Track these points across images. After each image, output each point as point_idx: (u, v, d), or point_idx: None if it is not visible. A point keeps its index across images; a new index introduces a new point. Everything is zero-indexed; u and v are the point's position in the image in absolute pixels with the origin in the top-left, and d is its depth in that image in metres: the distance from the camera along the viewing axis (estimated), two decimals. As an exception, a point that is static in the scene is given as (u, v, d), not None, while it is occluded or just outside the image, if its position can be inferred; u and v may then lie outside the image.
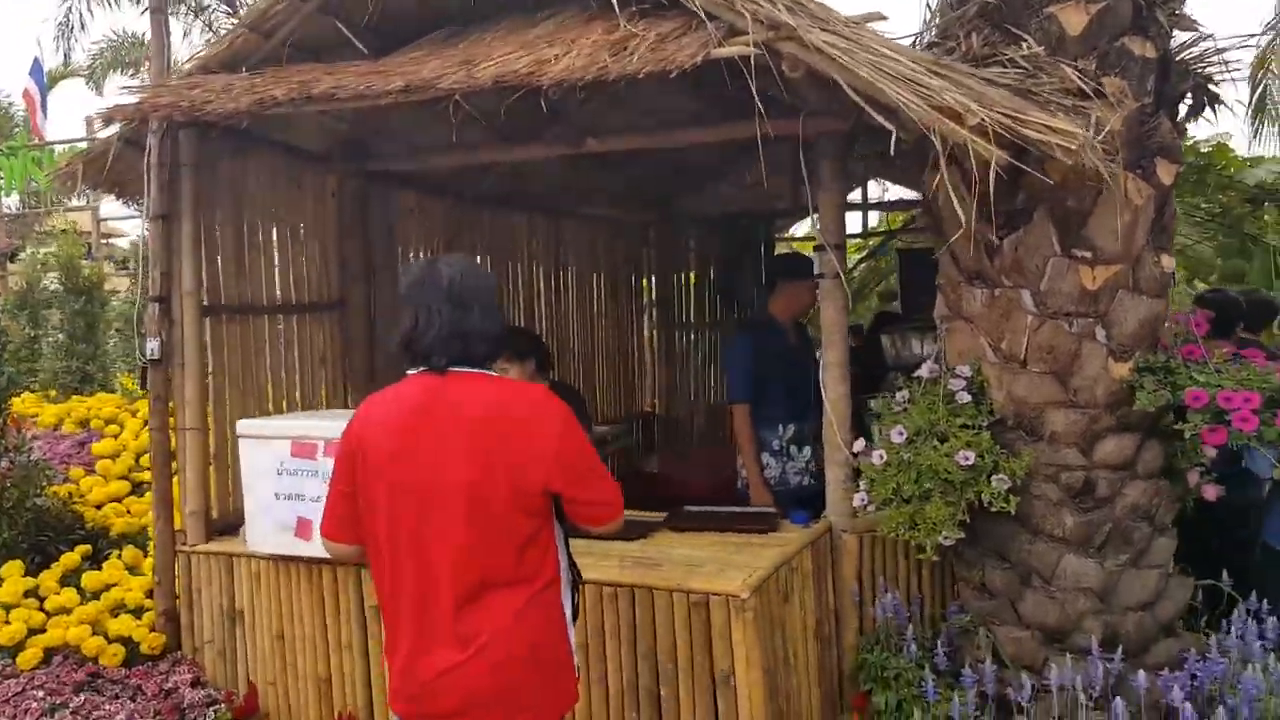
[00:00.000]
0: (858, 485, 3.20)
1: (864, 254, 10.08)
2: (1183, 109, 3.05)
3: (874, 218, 9.48)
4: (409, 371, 2.21)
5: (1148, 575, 2.95)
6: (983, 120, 2.23)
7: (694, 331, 7.30)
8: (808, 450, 4.39)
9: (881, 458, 2.96)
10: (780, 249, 7.99)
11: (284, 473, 3.33)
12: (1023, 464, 2.86)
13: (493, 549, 2.09)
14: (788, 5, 2.50)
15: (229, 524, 3.78)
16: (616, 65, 2.49)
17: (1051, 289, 2.89)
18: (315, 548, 3.28)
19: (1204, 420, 2.71)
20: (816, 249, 3.51)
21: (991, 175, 2.29)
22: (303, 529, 3.30)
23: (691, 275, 7.32)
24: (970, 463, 2.85)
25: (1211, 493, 3.19)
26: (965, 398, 2.96)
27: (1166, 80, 2.89)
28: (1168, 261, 2.98)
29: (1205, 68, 2.92)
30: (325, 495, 3.32)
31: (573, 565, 2.30)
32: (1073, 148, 2.21)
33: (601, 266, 6.80)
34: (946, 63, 2.48)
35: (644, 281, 7.41)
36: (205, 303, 3.76)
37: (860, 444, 3.15)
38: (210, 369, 3.82)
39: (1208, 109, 3.07)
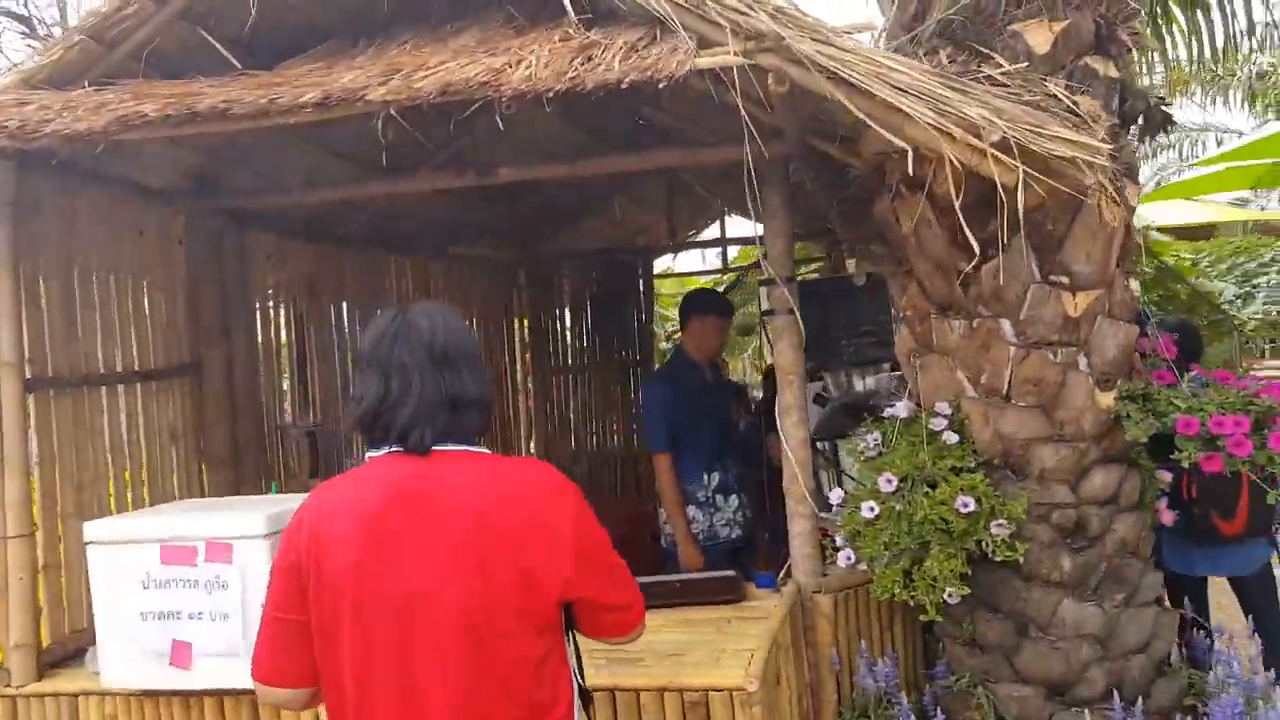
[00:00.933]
0: (832, 542, 2.92)
1: (724, 288, 10.06)
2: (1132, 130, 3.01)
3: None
4: (372, 454, 1.71)
5: (1144, 614, 2.81)
6: (1004, 134, 2.02)
7: (572, 375, 6.90)
8: (734, 499, 4.09)
9: (872, 510, 2.69)
10: (664, 286, 7.75)
11: (152, 585, 2.66)
12: (1021, 506, 2.66)
13: (501, 686, 1.62)
14: (770, 13, 2.21)
15: (68, 654, 3.03)
16: (592, 75, 2.10)
17: (1032, 317, 2.72)
18: (198, 677, 2.65)
19: (1197, 448, 2.61)
20: (761, 283, 3.24)
21: (1020, 195, 2.07)
22: (180, 655, 2.64)
23: (567, 315, 6.94)
24: (970, 509, 2.62)
25: (1168, 517, 3.13)
26: (952, 438, 2.74)
27: (1125, 101, 2.82)
28: (1134, 285, 2.90)
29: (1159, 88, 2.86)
30: (211, 612, 2.77)
31: (582, 683, 1.86)
32: (1097, 163, 2.04)
33: (473, 308, 6.30)
34: (951, 75, 2.27)
35: (516, 323, 6.96)
36: (29, 375, 3.03)
37: (838, 494, 2.87)
38: (37, 457, 3.09)
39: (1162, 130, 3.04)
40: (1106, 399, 2.73)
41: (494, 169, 3.40)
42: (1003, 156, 2.01)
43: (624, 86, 2.13)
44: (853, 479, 3.39)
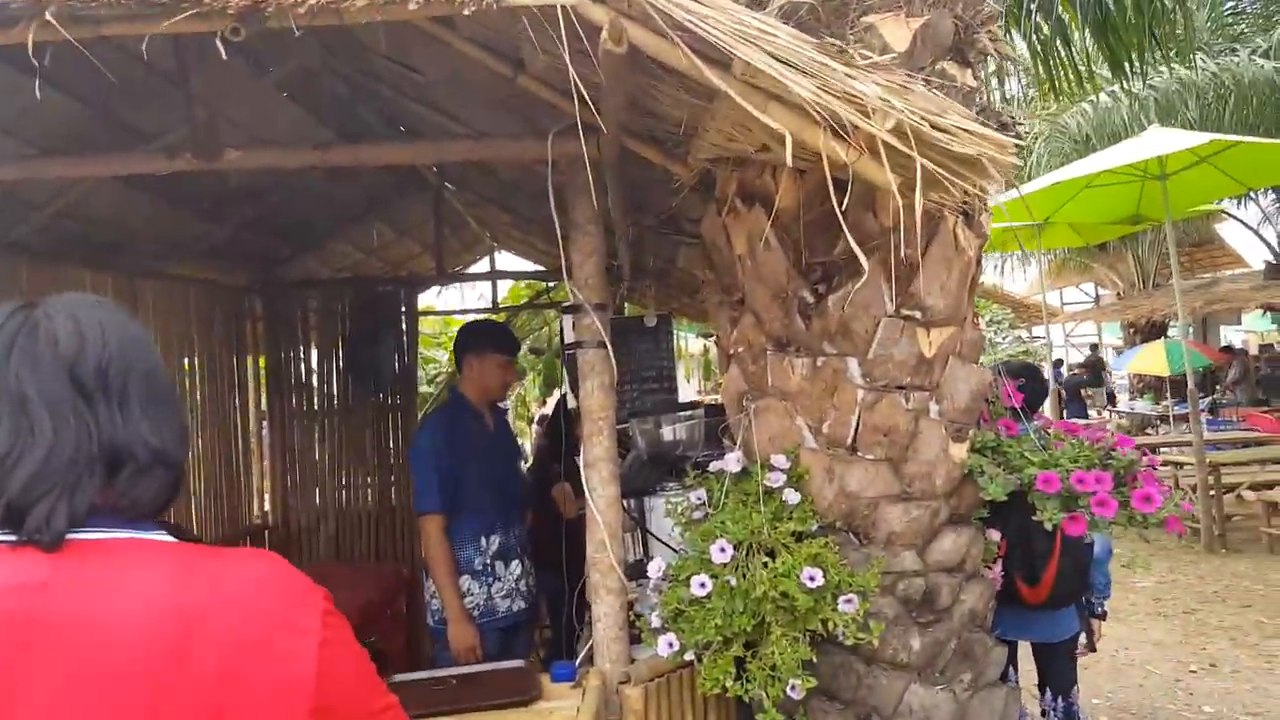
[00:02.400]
0: (647, 622, 2.38)
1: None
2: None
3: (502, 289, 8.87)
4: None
5: (994, 695, 2.48)
6: (902, 119, 1.61)
7: (318, 421, 5.97)
8: (516, 565, 3.47)
9: (704, 585, 2.18)
10: (425, 324, 6.98)
11: None
12: (874, 578, 2.25)
13: None
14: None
15: None
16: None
17: (882, 356, 2.35)
18: None
19: (1057, 508, 2.33)
20: (565, 310, 2.68)
21: (918, 200, 1.66)
22: None
23: (314, 352, 6.01)
24: (818, 583, 2.18)
25: (996, 580, 2.89)
26: (793, 496, 2.29)
27: (979, 114, 2.57)
28: (980, 324, 2.63)
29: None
30: None
31: None
32: (1005, 160, 1.69)
33: (194, 341, 5.26)
34: (836, 43, 1.85)
35: (249, 361, 5.94)
36: None
37: (658, 566, 2.33)
38: None
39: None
40: (960, 451, 2.41)
41: (219, 152, 2.63)
42: (899, 144, 1.60)
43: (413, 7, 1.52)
44: (662, 542, 2.89)
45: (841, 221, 1.79)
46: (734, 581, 2.18)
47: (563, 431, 4.58)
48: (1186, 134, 8.66)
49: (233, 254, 5.35)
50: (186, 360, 5.16)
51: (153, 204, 4.27)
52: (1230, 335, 20.05)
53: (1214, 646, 5.78)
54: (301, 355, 5.97)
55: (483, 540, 3.38)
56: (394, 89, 3.66)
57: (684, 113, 2.28)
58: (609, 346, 2.51)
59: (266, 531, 5.91)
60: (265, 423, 5.99)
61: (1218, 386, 15.18)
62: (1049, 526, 2.33)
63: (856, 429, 2.36)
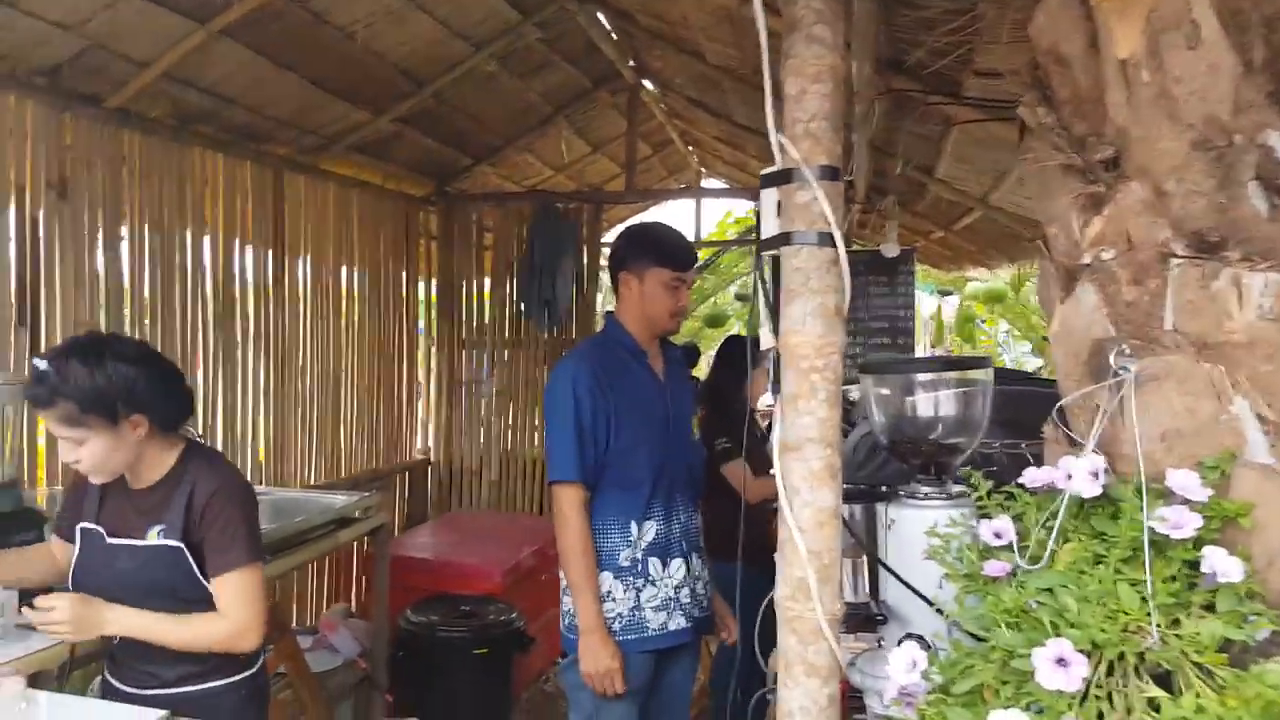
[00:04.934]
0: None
1: (698, 267, 8.49)
2: None
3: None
4: None
5: None
6: None
7: (487, 353, 5.29)
8: (679, 567, 2.50)
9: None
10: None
11: None
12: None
13: None
14: None
15: None
16: None
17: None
18: None
19: None
20: (765, 181, 1.61)
21: None
22: None
23: (485, 275, 5.31)
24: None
25: None
26: (1222, 562, 1.12)
27: None
28: None
29: None
30: None
31: None
32: None
33: (354, 252, 4.67)
34: None
35: (420, 281, 5.34)
36: None
37: (907, 659, 1.29)
38: None
39: None
40: None
41: None
42: None
43: None
44: (905, 583, 1.77)
45: None
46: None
47: (729, 391, 3.52)
48: None
49: (401, 157, 4.70)
50: (345, 271, 4.58)
51: (299, 86, 3.62)
52: None
53: None
54: (474, 279, 5.28)
55: (632, 527, 2.43)
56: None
57: None
58: (840, 242, 1.46)
59: (429, 468, 5.34)
60: (432, 354, 5.38)
61: None
62: None
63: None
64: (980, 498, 1.34)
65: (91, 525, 1.88)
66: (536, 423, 5.19)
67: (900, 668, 1.25)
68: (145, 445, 1.80)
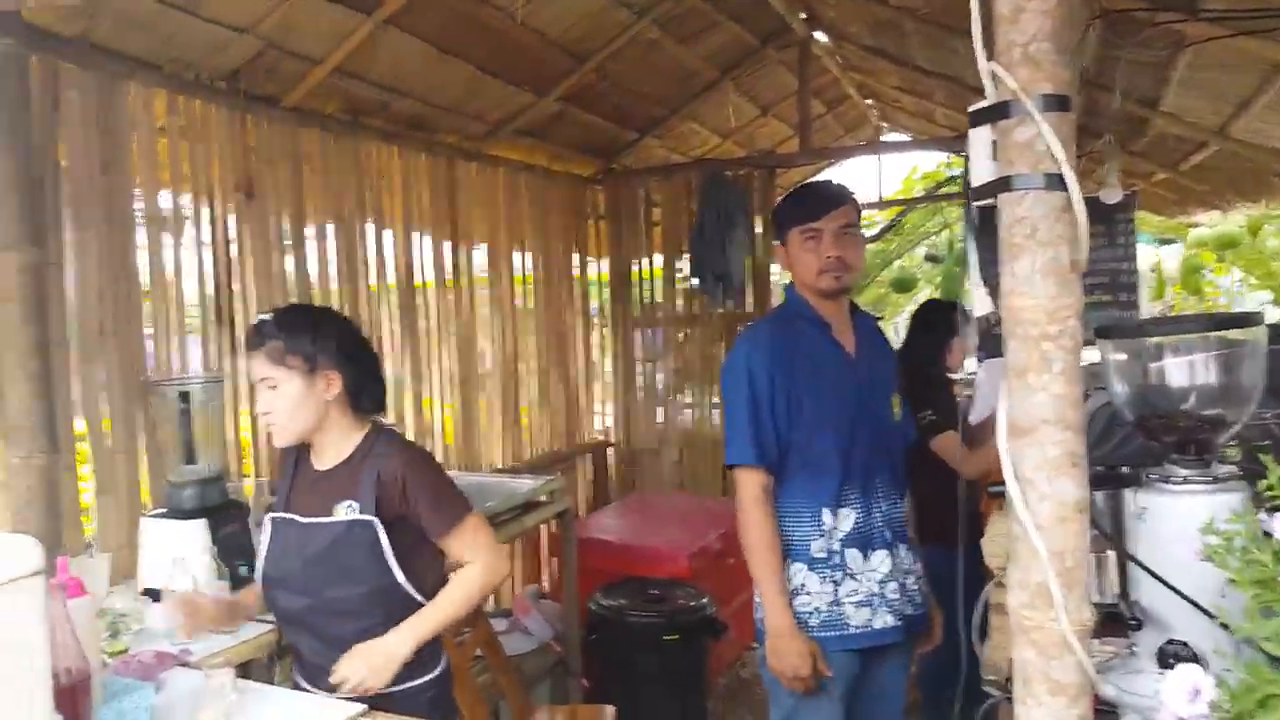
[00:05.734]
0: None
1: (876, 231, 8.06)
2: None
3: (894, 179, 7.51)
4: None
5: None
6: None
7: (662, 331, 5.19)
8: (883, 559, 2.27)
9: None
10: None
11: None
12: None
13: None
14: None
15: None
16: None
17: None
18: None
19: None
20: (976, 118, 1.37)
21: None
22: None
23: (657, 249, 5.20)
24: None
25: None
26: None
27: None
28: None
29: None
30: None
31: None
32: None
33: (526, 238, 4.66)
34: None
35: (591, 261, 5.30)
36: None
37: (1190, 684, 1.05)
38: None
39: None
40: None
41: None
42: None
43: None
44: (1165, 583, 1.47)
45: None
46: None
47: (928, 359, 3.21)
48: None
49: (566, 137, 4.64)
50: (518, 256, 4.58)
51: (463, 71, 3.60)
52: None
53: None
54: (645, 256, 5.18)
55: (825, 515, 2.23)
56: None
57: None
58: (1074, 184, 1.21)
59: (609, 450, 5.31)
60: (608, 331, 5.33)
61: None
62: None
63: None
64: (1270, 485, 1.07)
65: (281, 514, 1.89)
66: (715, 401, 5.04)
67: (1178, 697, 1.01)
68: (333, 417, 1.83)
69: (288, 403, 1.78)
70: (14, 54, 2.17)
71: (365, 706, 1.73)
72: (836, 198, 2.25)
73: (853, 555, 2.24)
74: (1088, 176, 3.92)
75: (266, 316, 1.84)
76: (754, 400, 2.19)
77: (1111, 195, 3.35)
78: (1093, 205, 3.57)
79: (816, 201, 2.25)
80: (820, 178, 5.31)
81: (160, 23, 2.57)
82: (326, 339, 1.81)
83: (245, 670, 2.09)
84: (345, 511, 1.81)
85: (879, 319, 2.74)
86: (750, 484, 2.20)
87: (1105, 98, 3.11)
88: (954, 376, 3.31)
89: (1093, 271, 3.62)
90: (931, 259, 8.26)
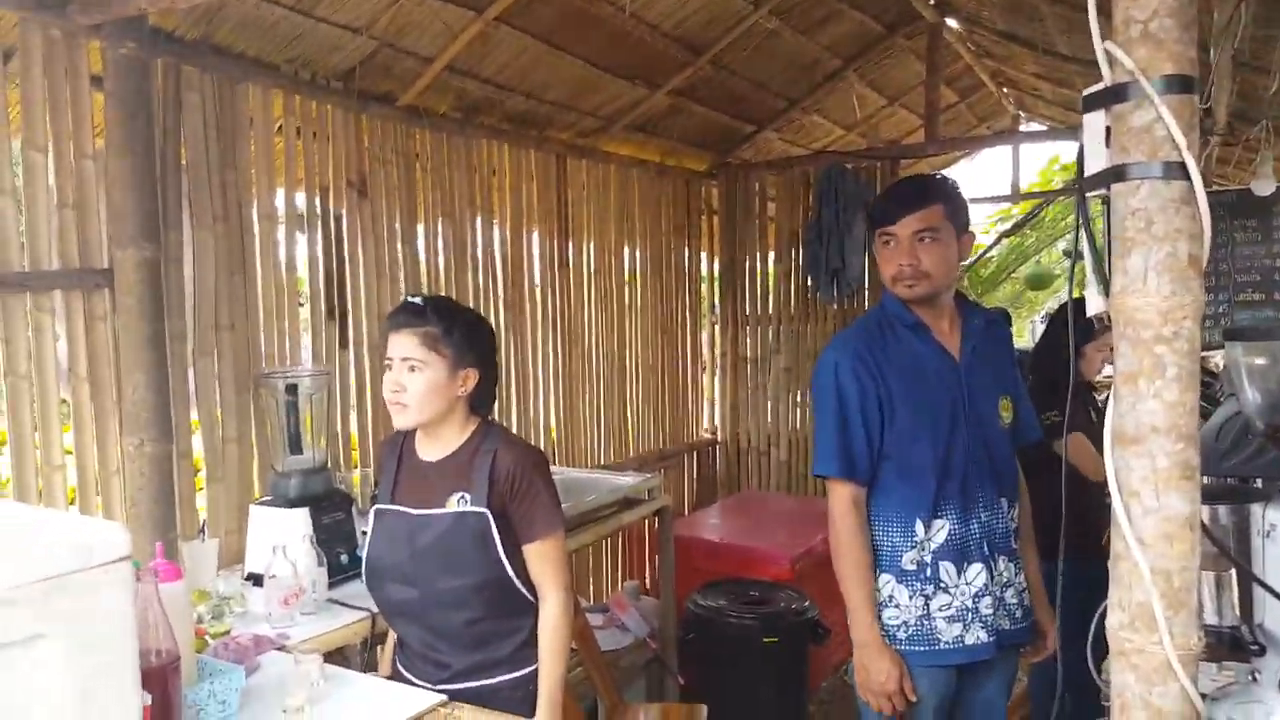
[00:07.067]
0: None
1: (1011, 225, 7.68)
2: None
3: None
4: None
5: None
6: None
7: (771, 329, 5.09)
8: (979, 574, 2.14)
9: None
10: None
11: None
12: None
13: None
14: None
15: None
16: None
17: None
18: None
19: None
20: (1089, 102, 1.24)
21: None
22: None
23: (770, 245, 5.09)
24: None
25: None
26: None
27: None
28: None
29: None
30: None
31: None
32: None
33: (636, 233, 4.66)
34: None
35: (702, 257, 5.24)
36: None
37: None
38: None
39: None
40: None
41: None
42: None
43: None
44: None
45: None
46: None
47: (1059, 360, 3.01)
48: None
49: (679, 131, 4.60)
50: (628, 252, 4.58)
51: (574, 67, 3.62)
52: None
53: None
54: (758, 252, 5.08)
55: (917, 526, 2.11)
56: None
57: None
58: (1195, 172, 1.10)
59: (715, 448, 5.25)
60: (716, 331, 5.26)
61: None
62: None
63: None
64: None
65: (388, 506, 1.90)
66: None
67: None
68: (454, 411, 1.85)
69: (425, 387, 1.79)
70: (136, 58, 2.29)
71: (445, 698, 1.74)
72: (913, 199, 2.11)
73: (946, 568, 2.12)
74: (1241, 168, 3.59)
75: (419, 300, 1.85)
76: (839, 410, 2.10)
77: (1264, 187, 3.05)
78: (1244, 198, 3.29)
79: (892, 203, 2.14)
80: (953, 171, 5.07)
81: (278, 24, 2.67)
82: (479, 339, 1.85)
83: (339, 656, 2.15)
84: (459, 503, 1.82)
85: (999, 316, 2.56)
86: (839, 495, 2.11)
87: (1262, 82, 2.83)
88: (1093, 381, 3.13)
89: (1242, 269, 3.32)
90: (1070, 254, 7.80)
